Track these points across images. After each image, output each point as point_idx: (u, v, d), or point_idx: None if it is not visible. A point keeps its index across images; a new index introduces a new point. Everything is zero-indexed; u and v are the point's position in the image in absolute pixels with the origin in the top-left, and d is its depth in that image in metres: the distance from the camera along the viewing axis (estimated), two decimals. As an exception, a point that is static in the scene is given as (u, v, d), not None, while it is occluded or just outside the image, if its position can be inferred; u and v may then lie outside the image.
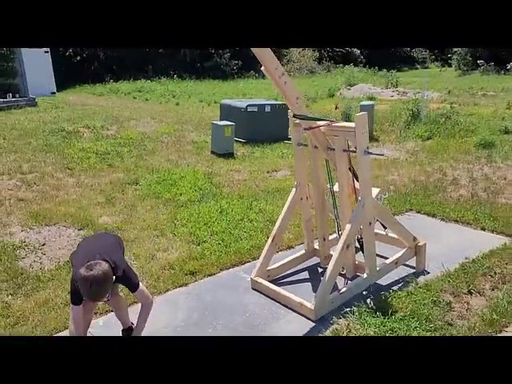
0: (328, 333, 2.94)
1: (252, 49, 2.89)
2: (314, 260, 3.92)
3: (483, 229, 4.60)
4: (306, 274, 3.76)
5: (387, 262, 3.62)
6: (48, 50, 17.87)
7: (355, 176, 3.59)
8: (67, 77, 25.80)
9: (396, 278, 3.62)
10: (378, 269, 3.48)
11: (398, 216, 5.04)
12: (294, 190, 3.69)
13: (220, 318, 3.16)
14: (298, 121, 3.32)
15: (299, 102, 3.14)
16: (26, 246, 4.09)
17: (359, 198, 3.27)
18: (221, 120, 8.83)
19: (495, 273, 3.59)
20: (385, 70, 26.27)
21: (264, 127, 8.15)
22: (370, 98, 14.45)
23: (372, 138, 8.70)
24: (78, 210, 4.81)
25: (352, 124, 3.14)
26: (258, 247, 4.14)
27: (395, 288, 3.47)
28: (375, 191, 3.54)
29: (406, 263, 3.83)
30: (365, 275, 3.43)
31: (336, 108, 10.64)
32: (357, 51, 37.72)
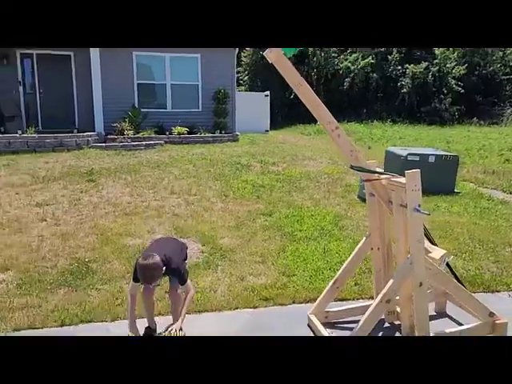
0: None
1: (307, 105, 3.23)
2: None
3: None
4: (362, 325, 3.73)
5: (447, 330, 3.34)
6: (268, 93, 20.52)
7: (426, 234, 3.48)
8: (288, 116, 28.78)
9: (459, 352, 3.29)
10: (431, 334, 3.26)
11: (504, 292, 4.40)
12: (364, 238, 3.77)
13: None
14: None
15: (354, 154, 3.30)
16: (158, 250, 5.15)
17: (408, 255, 3.18)
18: (384, 167, 8.87)
19: None
20: None
21: (424, 178, 7.78)
22: None
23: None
24: (209, 230, 5.73)
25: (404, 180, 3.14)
26: (341, 291, 4.28)
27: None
28: (440, 253, 3.33)
29: (486, 341, 3.43)
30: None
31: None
32: None
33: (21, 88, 12.90)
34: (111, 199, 6.77)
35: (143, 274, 3.17)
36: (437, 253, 3.35)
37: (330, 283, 3.77)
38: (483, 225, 6.30)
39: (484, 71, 28.17)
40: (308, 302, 4.15)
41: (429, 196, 7.73)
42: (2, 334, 3.52)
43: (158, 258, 3.18)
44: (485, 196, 7.83)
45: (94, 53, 11.61)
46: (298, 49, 3.18)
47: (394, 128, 24.31)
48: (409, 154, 7.93)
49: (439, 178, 7.86)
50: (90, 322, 3.74)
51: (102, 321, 3.75)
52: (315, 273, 4.64)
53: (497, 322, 3.32)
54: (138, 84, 12.94)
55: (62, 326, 3.67)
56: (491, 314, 3.33)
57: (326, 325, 3.74)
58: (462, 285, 3.59)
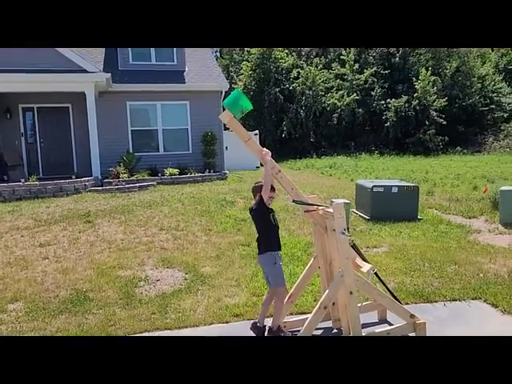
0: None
1: (255, 155, 4.11)
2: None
3: (535, 325, 4.44)
4: (314, 331, 4.48)
5: (377, 330, 4.10)
6: (257, 132, 21.65)
7: (358, 252, 4.30)
8: (279, 152, 29.83)
9: (388, 349, 4.03)
10: (363, 334, 4.01)
11: (459, 302, 5.16)
12: (312, 259, 4.58)
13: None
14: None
15: (294, 191, 4.16)
16: (147, 279, 5.94)
17: (339, 270, 3.99)
18: (355, 197, 9.76)
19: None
20: None
21: (389, 207, 8.72)
22: None
23: (508, 224, 8.25)
24: (192, 260, 6.52)
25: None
26: (300, 305, 5.07)
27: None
28: (367, 267, 4.14)
29: (412, 339, 4.19)
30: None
31: (484, 192, 10.23)
32: None
33: (23, 139, 13.93)
34: (106, 237, 7.58)
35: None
36: (365, 267, 4.15)
37: (286, 298, 4.55)
38: (436, 247, 7.10)
39: (464, 103, 29.54)
40: (271, 316, 4.90)
41: (394, 223, 8.57)
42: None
43: None
44: (444, 221, 8.67)
45: (91, 104, 12.65)
46: (243, 111, 4.08)
47: (380, 160, 25.41)
48: (374, 186, 8.82)
49: (402, 206, 8.72)
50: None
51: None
52: (280, 293, 5.41)
53: (417, 322, 4.07)
54: (132, 130, 14.00)
55: (64, 343, 4.41)
56: (412, 316, 4.09)
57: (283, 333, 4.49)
58: (391, 292, 4.39)
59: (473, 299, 5.20)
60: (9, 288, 5.68)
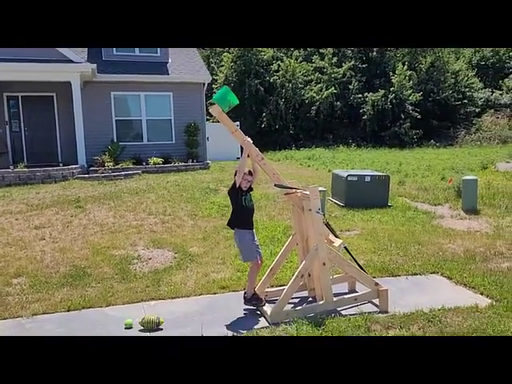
0: (266, 332, 4.31)
1: (241, 145, 4.67)
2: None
3: (482, 293, 5.16)
4: (292, 300, 5.08)
5: (346, 296, 4.75)
6: (237, 123, 22.14)
7: (331, 230, 4.92)
8: (259, 144, 30.23)
9: (356, 311, 4.67)
10: (334, 299, 4.65)
11: (419, 276, 5.85)
12: (290, 237, 5.19)
13: (218, 312, 4.83)
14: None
15: (275, 176, 4.74)
16: (139, 258, 6.46)
17: (314, 244, 4.60)
18: (331, 185, 10.42)
19: (433, 320, 4.35)
20: None
21: (363, 194, 9.40)
22: (526, 172, 13.91)
23: (469, 211, 9.02)
24: (181, 241, 7.07)
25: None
26: (280, 279, 5.68)
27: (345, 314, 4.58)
28: (338, 242, 4.77)
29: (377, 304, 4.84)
30: (321, 302, 4.65)
31: (449, 181, 11.02)
32: None
33: (7, 127, 14.11)
34: (98, 221, 8.05)
35: None
36: (337, 242, 4.78)
37: (267, 271, 5.16)
38: (403, 230, 7.82)
39: (438, 97, 30.54)
40: (254, 288, 5.50)
41: (367, 209, 9.26)
42: (25, 318, 4.74)
43: None
44: (412, 208, 9.40)
45: (76, 93, 12.93)
46: (230, 106, 4.62)
47: (357, 152, 26.19)
48: (348, 175, 9.48)
49: (374, 194, 9.41)
50: (90, 307, 5.00)
51: (100, 306, 5.01)
52: (262, 269, 6.00)
53: (380, 289, 4.73)
54: (117, 120, 14.36)
55: (68, 311, 4.92)
56: (376, 284, 4.75)
57: (266, 301, 5.10)
58: (358, 264, 5.03)
59: (431, 273, 5.91)
60: (11, 265, 6.12)
